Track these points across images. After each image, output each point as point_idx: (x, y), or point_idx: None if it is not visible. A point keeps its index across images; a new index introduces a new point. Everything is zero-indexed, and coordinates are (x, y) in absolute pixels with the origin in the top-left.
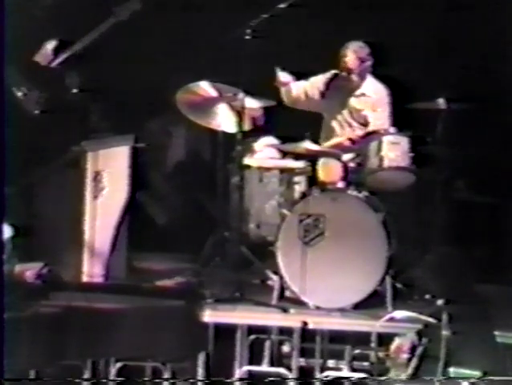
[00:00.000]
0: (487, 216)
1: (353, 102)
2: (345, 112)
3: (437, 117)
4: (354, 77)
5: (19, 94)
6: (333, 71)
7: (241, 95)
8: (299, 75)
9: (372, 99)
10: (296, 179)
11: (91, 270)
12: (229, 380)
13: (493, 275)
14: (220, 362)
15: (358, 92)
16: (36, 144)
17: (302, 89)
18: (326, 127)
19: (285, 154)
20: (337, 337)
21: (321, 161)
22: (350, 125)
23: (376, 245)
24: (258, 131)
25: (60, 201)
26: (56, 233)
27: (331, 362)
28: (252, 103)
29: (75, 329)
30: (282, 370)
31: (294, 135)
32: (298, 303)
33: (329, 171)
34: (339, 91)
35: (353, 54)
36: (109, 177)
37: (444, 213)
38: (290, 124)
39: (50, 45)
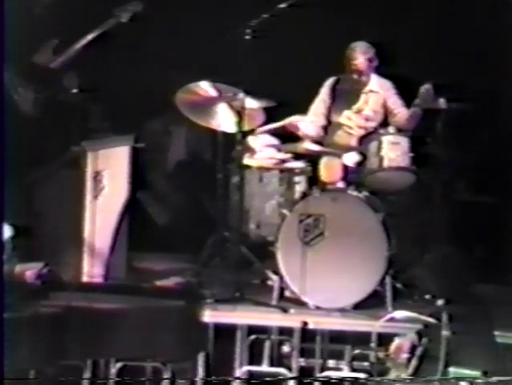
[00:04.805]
0: (487, 216)
1: (361, 100)
2: (349, 112)
3: (437, 117)
4: (363, 78)
5: (15, 95)
6: (331, 78)
7: (241, 95)
8: (299, 76)
9: (380, 94)
10: (296, 179)
11: (91, 270)
12: (229, 380)
13: (493, 275)
14: (220, 362)
15: (366, 89)
16: (36, 144)
17: (318, 122)
18: (330, 127)
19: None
20: (337, 337)
21: (323, 160)
22: (354, 125)
23: (376, 245)
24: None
25: (60, 201)
26: (56, 233)
27: (331, 362)
28: (252, 103)
29: (75, 329)
30: (282, 370)
31: (294, 135)
32: (298, 303)
33: (331, 170)
34: (346, 92)
35: (362, 55)
36: (109, 177)
37: (444, 213)
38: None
39: (51, 45)
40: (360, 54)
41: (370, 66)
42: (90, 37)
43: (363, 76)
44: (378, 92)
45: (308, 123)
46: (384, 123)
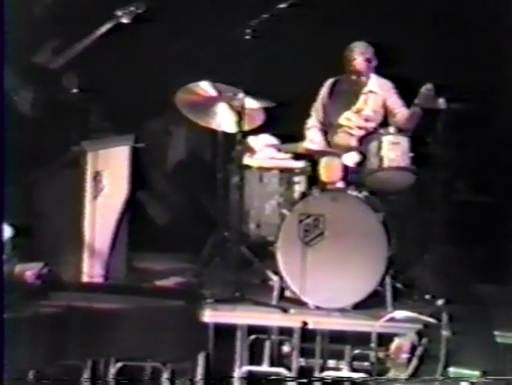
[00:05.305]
0: (487, 216)
1: (361, 100)
2: (349, 113)
3: (437, 117)
4: (362, 78)
5: (15, 95)
6: (331, 80)
7: (241, 95)
8: (299, 76)
9: (380, 94)
10: (296, 179)
11: (91, 270)
12: (229, 380)
13: (493, 275)
14: (220, 362)
15: (365, 90)
16: (36, 144)
17: (321, 127)
18: (330, 128)
19: None
20: (337, 337)
21: (323, 160)
22: (353, 126)
23: (376, 245)
24: (257, 131)
25: (60, 201)
26: (56, 233)
27: (331, 362)
28: (252, 103)
29: (75, 329)
30: (282, 370)
31: (294, 135)
32: (298, 303)
33: (331, 170)
34: (346, 93)
35: (361, 56)
36: (109, 177)
37: (444, 213)
38: (290, 124)
39: (50, 45)
40: (359, 55)
41: (369, 66)
42: (91, 38)
43: (363, 76)
44: (377, 93)
45: (313, 129)
46: (384, 123)
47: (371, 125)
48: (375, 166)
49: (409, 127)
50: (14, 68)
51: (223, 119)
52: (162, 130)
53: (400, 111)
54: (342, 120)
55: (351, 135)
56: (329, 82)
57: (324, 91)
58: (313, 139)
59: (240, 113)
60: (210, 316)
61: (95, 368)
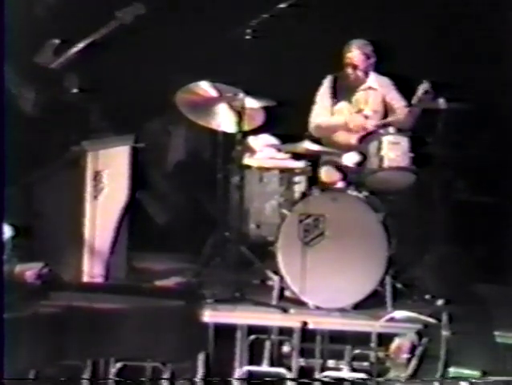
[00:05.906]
0: (487, 216)
1: (359, 96)
2: (348, 109)
3: (437, 117)
4: (359, 73)
5: (16, 95)
6: (331, 76)
7: (241, 95)
8: (299, 75)
9: (379, 91)
10: (296, 179)
11: (91, 270)
12: (229, 380)
13: (493, 275)
14: (220, 362)
15: (364, 86)
16: (36, 144)
17: (325, 113)
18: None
19: None
20: (337, 337)
21: (324, 169)
22: (353, 124)
23: (376, 245)
24: (257, 131)
25: (60, 201)
26: (56, 233)
27: (331, 362)
28: (252, 103)
29: (75, 329)
30: (282, 371)
31: (294, 135)
32: (298, 303)
33: (331, 176)
34: (345, 89)
35: (358, 50)
36: (109, 177)
37: (444, 213)
38: (290, 124)
39: (51, 45)
40: (356, 48)
41: (367, 62)
42: (91, 39)
43: (359, 71)
44: (377, 89)
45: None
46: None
47: (371, 122)
48: (375, 166)
49: (408, 124)
50: (15, 68)
51: (223, 119)
52: (162, 130)
53: (400, 107)
54: (342, 115)
55: (351, 133)
56: (329, 78)
57: (325, 85)
58: (320, 120)
59: (240, 113)
60: (210, 316)
61: (95, 368)
